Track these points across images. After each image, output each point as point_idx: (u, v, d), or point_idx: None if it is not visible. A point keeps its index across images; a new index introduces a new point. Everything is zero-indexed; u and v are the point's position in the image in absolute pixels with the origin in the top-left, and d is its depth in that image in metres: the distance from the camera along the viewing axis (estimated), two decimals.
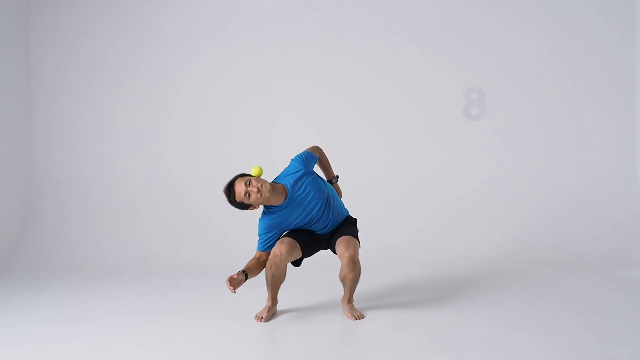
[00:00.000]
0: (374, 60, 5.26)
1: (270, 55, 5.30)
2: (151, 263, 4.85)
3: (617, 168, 5.12)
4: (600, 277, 4.07)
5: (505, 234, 4.91)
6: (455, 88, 5.21)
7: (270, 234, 3.26)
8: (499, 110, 5.20)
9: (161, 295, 3.87)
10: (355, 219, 3.53)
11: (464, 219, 5.04)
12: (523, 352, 2.70)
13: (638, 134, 5.13)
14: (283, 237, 3.29)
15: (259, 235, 3.28)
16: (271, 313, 3.31)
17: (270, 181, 3.21)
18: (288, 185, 3.23)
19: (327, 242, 3.41)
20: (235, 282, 3.02)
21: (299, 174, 3.26)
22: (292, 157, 3.36)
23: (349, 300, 3.32)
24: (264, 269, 3.26)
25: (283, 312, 3.40)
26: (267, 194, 3.09)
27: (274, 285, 3.28)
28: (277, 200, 3.19)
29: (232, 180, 3.16)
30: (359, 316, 3.26)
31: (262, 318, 3.25)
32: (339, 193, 3.53)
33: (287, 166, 3.34)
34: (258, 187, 3.07)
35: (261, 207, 3.27)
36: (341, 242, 3.26)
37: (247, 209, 3.16)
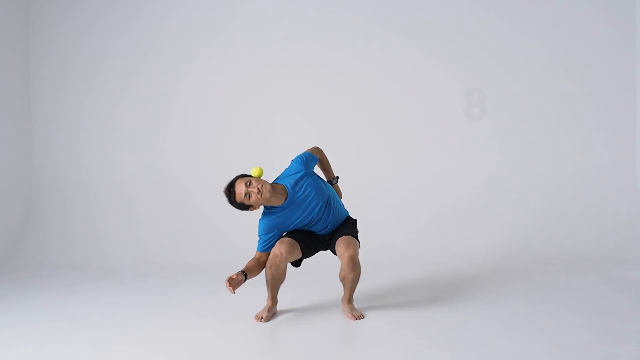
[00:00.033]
0: (374, 60, 5.26)
1: (270, 55, 5.31)
2: (151, 263, 4.85)
3: (617, 168, 5.12)
4: (600, 277, 4.07)
5: (505, 234, 4.91)
6: (455, 88, 5.21)
7: (270, 235, 3.26)
8: (499, 110, 5.20)
9: (161, 295, 3.87)
10: (355, 220, 3.53)
11: (464, 219, 5.04)
12: (523, 352, 2.70)
13: (638, 134, 5.13)
14: (283, 237, 3.29)
15: (259, 236, 3.28)
16: (271, 313, 3.32)
17: (270, 182, 3.21)
18: (288, 186, 3.23)
19: (327, 242, 3.41)
20: (234, 283, 3.02)
21: (300, 174, 3.26)
22: (293, 157, 3.36)
23: (349, 300, 3.32)
24: (264, 269, 3.26)
25: (283, 312, 3.40)
26: (268, 195, 3.09)
27: (274, 285, 3.28)
28: (278, 201, 3.19)
29: (232, 180, 3.16)
30: (359, 316, 3.26)
31: (262, 318, 3.25)
32: (339, 194, 3.53)
33: (287, 167, 3.34)
34: (258, 188, 3.07)
35: (261, 208, 3.27)
36: (341, 242, 3.26)
37: (247, 209, 3.17)
